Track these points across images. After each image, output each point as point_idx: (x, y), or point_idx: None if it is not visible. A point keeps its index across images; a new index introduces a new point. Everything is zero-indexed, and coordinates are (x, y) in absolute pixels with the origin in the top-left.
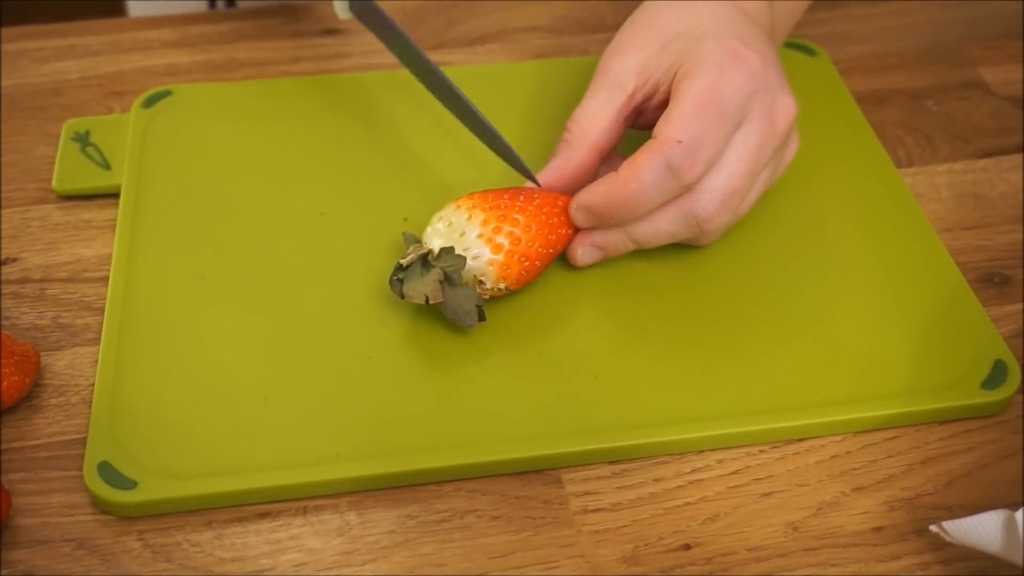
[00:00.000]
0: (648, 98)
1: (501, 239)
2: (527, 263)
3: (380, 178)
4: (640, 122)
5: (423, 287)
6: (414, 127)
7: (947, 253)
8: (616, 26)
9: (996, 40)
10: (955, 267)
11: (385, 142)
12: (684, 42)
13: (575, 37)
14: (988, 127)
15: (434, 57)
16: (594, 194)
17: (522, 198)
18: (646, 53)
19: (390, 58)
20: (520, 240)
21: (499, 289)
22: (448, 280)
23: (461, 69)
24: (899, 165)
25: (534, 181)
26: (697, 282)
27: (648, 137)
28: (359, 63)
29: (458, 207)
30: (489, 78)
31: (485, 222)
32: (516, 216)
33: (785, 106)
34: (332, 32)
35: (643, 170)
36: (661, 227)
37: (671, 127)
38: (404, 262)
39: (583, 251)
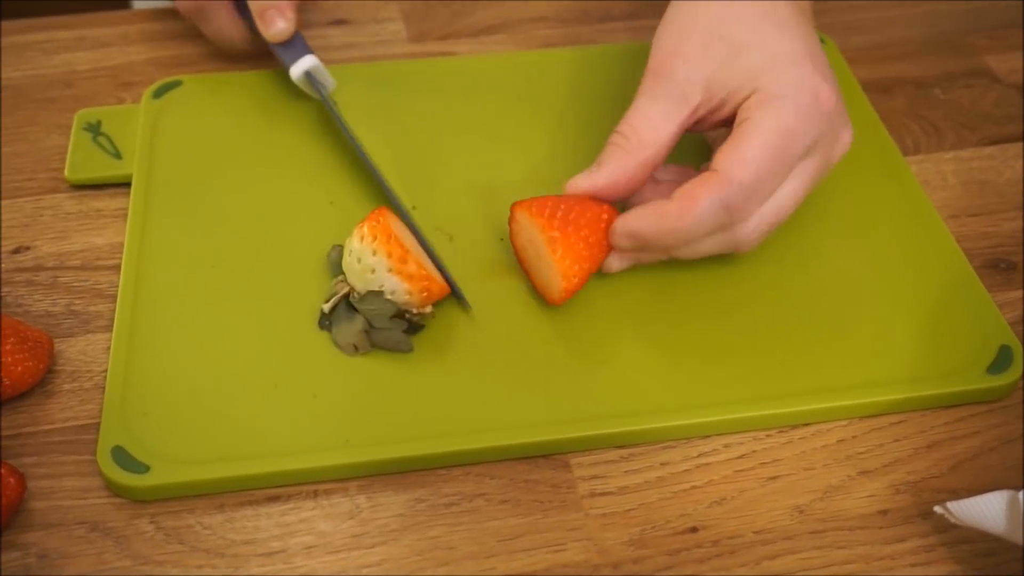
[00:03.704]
0: (712, 112)
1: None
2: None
3: (388, 166)
4: (695, 127)
5: (351, 337)
6: (420, 116)
7: (953, 240)
8: (623, 16)
9: (1001, 29)
10: (961, 253)
11: (392, 131)
12: (757, 59)
13: (581, 27)
14: (994, 115)
15: (441, 48)
16: (643, 222)
17: (572, 221)
18: (713, 64)
19: (399, 49)
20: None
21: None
22: (371, 325)
23: (468, 59)
24: (906, 153)
25: (466, 304)
26: (704, 269)
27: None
28: (366, 53)
29: (362, 239)
30: (496, 68)
31: (388, 255)
32: (579, 248)
33: (844, 140)
34: (339, 23)
35: (699, 206)
36: (701, 249)
37: (736, 167)
38: (326, 308)
39: (618, 262)
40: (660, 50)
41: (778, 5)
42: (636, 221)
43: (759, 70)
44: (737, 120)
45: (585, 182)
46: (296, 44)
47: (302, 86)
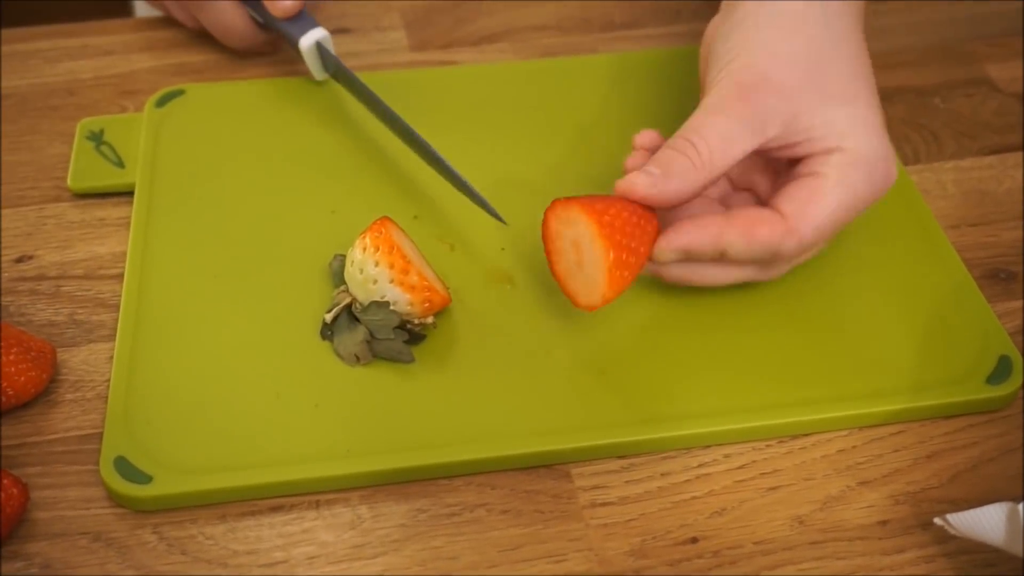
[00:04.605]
0: (781, 147)
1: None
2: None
3: (390, 176)
4: (757, 154)
5: (352, 348)
6: (421, 126)
7: (953, 249)
8: (624, 25)
9: (1001, 37)
10: (961, 263)
11: (395, 140)
12: (846, 117)
13: (583, 36)
14: (994, 124)
15: (443, 57)
16: (697, 241)
17: (630, 232)
18: (800, 103)
19: (401, 57)
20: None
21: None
22: (373, 335)
23: (470, 68)
24: (906, 162)
25: (500, 220)
26: None
27: None
28: (370, 62)
29: (364, 250)
30: (498, 77)
31: (390, 266)
32: (628, 270)
33: (877, 201)
34: (343, 31)
35: (756, 243)
36: (722, 280)
37: (804, 223)
38: (328, 318)
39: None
40: (747, 69)
41: (862, 47)
42: (691, 239)
43: (846, 128)
44: (809, 168)
45: (649, 190)
46: (303, 18)
47: (310, 61)
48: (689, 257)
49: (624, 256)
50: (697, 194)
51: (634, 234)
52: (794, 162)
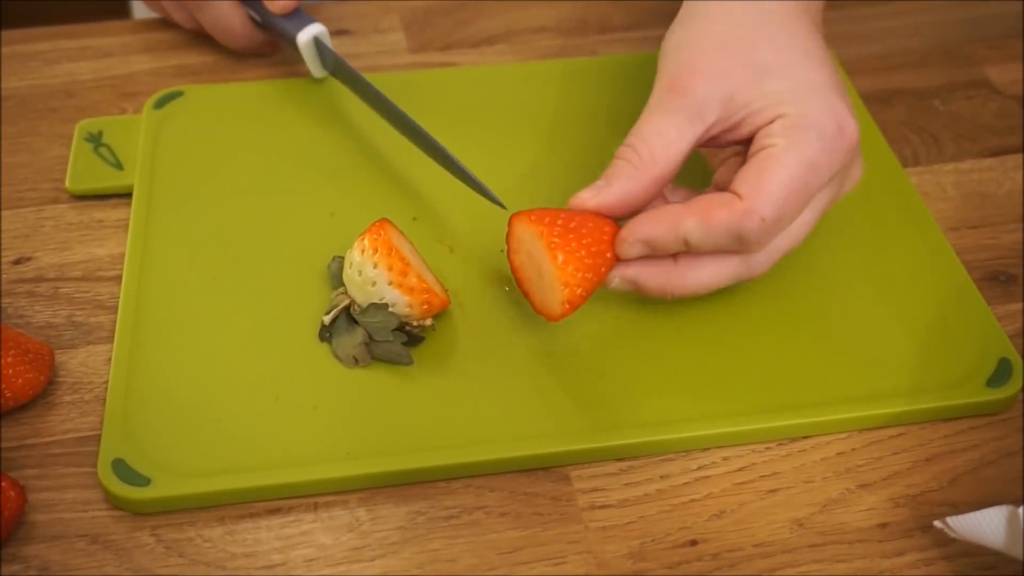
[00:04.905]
0: (727, 130)
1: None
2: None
3: (390, 178)
4: (706, 144)
5: (351, 350)
6: (424, 127)
7: (953, 252)
8: (624, 27)
9: (1000, 39)
10: (960, 266)
11: (394, 142)
12: (782, 84)
13: (582, 38)
14: (994, 126)
15: (442, 59)
16: (657, 229)
17: (573, 229)
18: (733, 82)
19: (400, 59)
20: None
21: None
22: (372, 337)
23: (469, 70)
24: (905, 164)
25: (500, 205)
26: None
27: None
28: (369, 63)
29: (363, 252)
30: (497, 79)
31: (389, 268)
32: (582, 257)
33: (856, 173)
34: (343, 32)
35: (714, 229)
36: (705, 282)
37: (759, 199)
38: (327, 320)
39: (618, 282)
40: (677, 62)
41: (799, 26)
42: (649, 227)
43: (784, 95)
44: (757, 144)
45: (593, 199)
46: (300, 15)
47: (308, 57)
48: (653, 249)
49: (563, 234)
50: (650, 195)
51: (574, 218)
52: (748, 145)
